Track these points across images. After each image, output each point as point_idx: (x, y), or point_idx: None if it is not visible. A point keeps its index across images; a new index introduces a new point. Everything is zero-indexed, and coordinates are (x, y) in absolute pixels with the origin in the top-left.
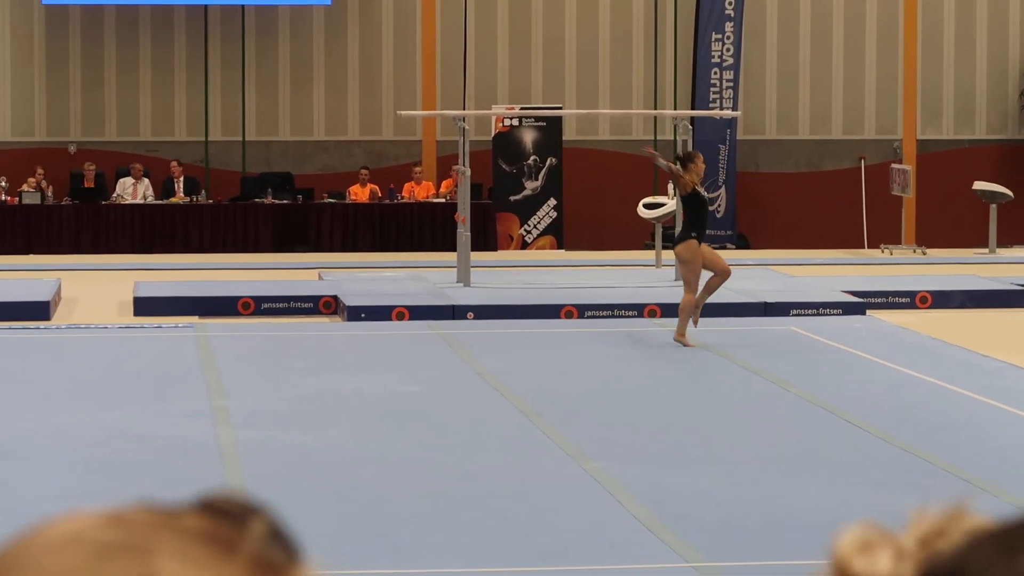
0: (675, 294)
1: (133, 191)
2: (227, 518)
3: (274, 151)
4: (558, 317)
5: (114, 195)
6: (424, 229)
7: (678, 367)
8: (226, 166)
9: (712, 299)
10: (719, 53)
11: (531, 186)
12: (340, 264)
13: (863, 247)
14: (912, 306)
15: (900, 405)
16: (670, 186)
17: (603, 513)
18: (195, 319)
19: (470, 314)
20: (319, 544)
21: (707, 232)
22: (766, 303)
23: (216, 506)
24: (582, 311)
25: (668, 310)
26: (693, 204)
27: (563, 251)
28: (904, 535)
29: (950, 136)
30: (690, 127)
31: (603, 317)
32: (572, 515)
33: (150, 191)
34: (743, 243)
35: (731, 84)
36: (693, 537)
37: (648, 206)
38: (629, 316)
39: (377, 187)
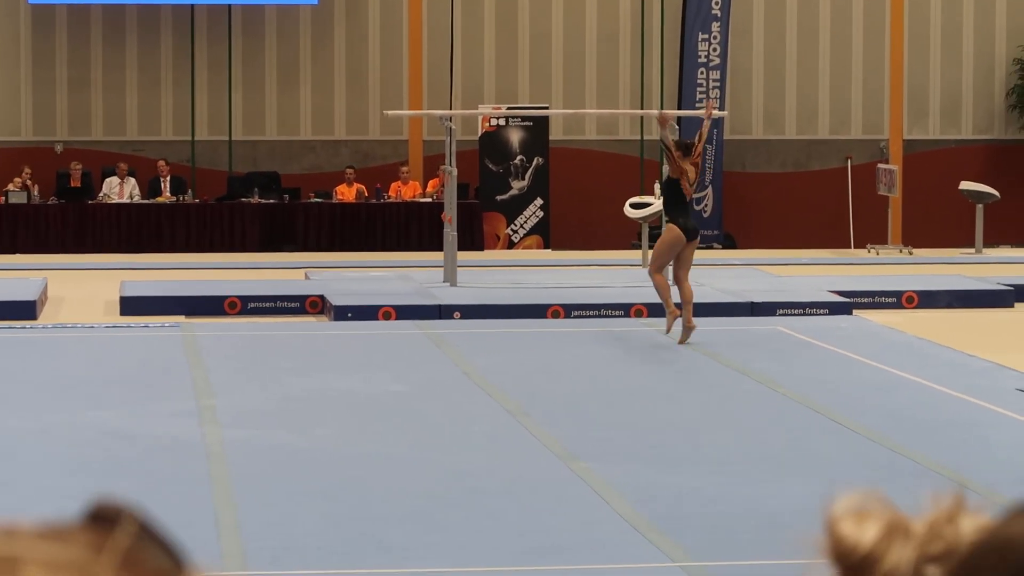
0: None
1: (119, 190)
2: (100, 523)
3: (261, 150)
4: (545, 317)
5: (100, 194)
6: (411, 229)
7: (665, 367)
8: (213, 165)
9: (699, 299)
10: (705, 53)
11: (518, 186)
12: (327, 264)
13: (850, 247)
14: (899, 306)
15: (887, 405)
16: (656, 186)
17: (591, 513)
18: (182, 319)
19: (457, 314)
20: (306, 543)
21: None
22: (753, 303)
23: (93, 513)
24: (569, 311)
25: (655, 310)
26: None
27: (550, 251)
28: (914, 518)
29: (936, 136)
30: (676, 127)
31: (590, 317)
32: (560, 515)
33: (136, 190)
34: (730, 243)
35: (718, 84)
36: (681, 537)
37: (635, 206)
38: (616, 316)
39: (364, 187)
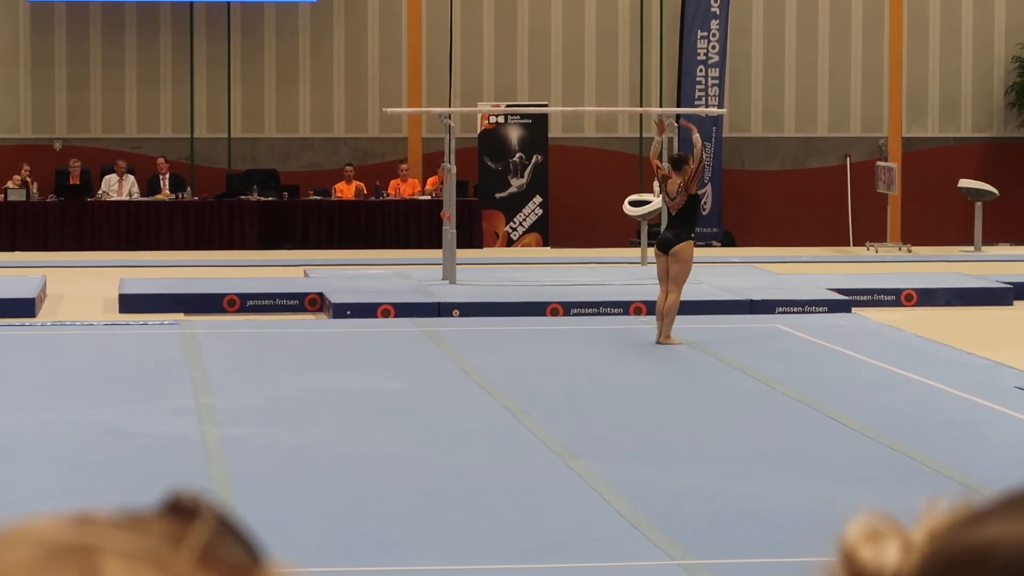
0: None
1: (119, 188)
2: (178, 514)
3: (260, 148)
4: (544, 315)
5: (99, 192)
6: (410, 226)
7: (664, 365)
8: (212, 163)
9: (698, 296)
10: (704, 50)
11: (517, 183)
12: (326, 261)
13: (849, 245)
14: (898, 304)
15: (886, 403)
16: (655, 184)
17: (590, 511)
18: (181, 316)
19: (455, 312)
20: (305, 542)
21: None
22: (752, 300)
23: (171, 504)
24: (568, 308)
25: (654, 308)
26: (692, 204)
27: (549, 248)
28: (913, 528)
29: (935, 134)
30: (676, 124)
31: (589, 315)
32: (559, 513)
33: (136, 188)
34: (729, 241)
35: (716, 81)
36: (680, 534)
37: (634, 203)
38: (615, 314)
39: (363, 184)
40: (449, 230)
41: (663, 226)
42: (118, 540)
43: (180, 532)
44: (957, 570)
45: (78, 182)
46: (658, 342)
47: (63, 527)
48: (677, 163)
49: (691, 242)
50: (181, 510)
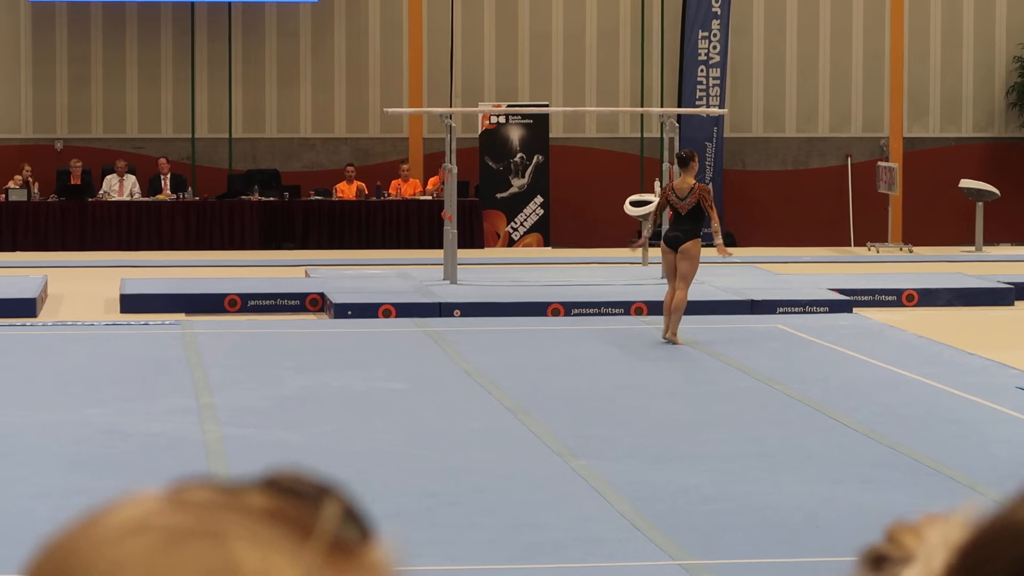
0: (662, 292)
1: (120, 188)
2: (298, 498)
3: (261, 148)
4: (545, 315)
5: (100, 192)
6: (411, 227)
7: (665, 364)
8: (213, 163)
9: (699, 296)
10: (706, 50)
11: (518, 183)
12: (327, 261)
13: (850, 245)
14: (899, 304)
15: (886, 402)
16: (656, 184)
17: (590, 510)
18: (182, 316)
19: (456, 312)
20: None
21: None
22: (753, 300)
23: (284, 485)
24: (569, 308)
25: (655, 308)
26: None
27: (550, 248)
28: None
29: (936, 134)
30: (677, 125)
31: (590, 315)
32: (559, 512)
33: (137, 188)
34: (730, 241)
35: (718, 81)
36: (679, 534)
37: (635, 203)
38: (616, 314)
39: (364, 184)
40: (450, 230)
41: (665, 225)
42: (243, 526)
43: (309, 520)
44: (991, 547)
45: (79, 182)
46: (664, 338)
47: (182, 510)
48: (683, 161)
49: (699, 239)
50: (293, 491)
